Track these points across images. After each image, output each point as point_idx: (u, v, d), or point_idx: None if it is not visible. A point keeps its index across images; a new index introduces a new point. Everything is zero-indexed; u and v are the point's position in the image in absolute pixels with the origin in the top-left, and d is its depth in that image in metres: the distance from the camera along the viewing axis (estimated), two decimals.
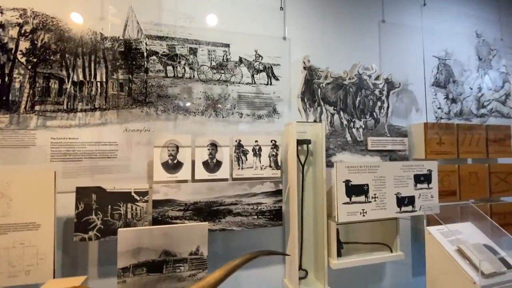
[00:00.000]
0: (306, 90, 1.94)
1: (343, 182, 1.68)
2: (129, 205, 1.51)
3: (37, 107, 1.50)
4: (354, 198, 1.70)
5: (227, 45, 1.70)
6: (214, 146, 1.64)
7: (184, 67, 1.61)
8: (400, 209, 1.78)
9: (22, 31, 1.48)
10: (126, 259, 1.35)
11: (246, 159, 1.69)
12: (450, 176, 2.13)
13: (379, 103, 2.10)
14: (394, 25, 2.22)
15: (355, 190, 1.70)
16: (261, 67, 1.76)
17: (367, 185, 1.73)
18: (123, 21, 1.56)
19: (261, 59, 1.77)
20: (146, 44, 1.56)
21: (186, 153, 1.60)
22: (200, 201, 1.58)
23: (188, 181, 1.62)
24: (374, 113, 2.09)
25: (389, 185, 1.77)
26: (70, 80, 1.54)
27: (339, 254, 1.76)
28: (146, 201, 1.53)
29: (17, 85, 1.48)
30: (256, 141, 1.71)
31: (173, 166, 1.58)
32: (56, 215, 1.47)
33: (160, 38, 1.58)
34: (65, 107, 1.54)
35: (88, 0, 1.57)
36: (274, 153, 1.74)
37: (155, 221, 1.51)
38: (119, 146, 1.59)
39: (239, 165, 1.68)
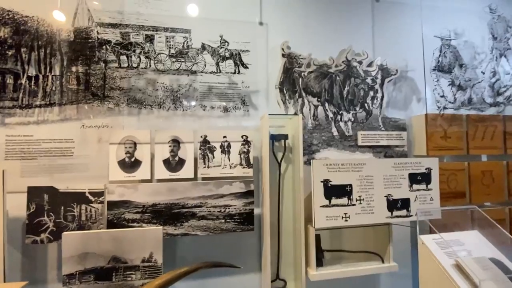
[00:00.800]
0: (285, 80, 1.75)
1: (321, 182, 1.47)
2: (83, 206, 1.41)
3: None
4: (334, 201, 1.48)
5: (188, 31, 1.55)
6: (176, 142, 1.50)
7: (139, 56, 1.49)
8: (392, 214, 1.54)
9: None
10: (71, 265, 1.25)
11: (213, 157, 1.54)
12: (457, 175, 1.83)
13: (371, 93, 1.85)
14: (391, 4, 1.95)
15: (335, 191, 1.48)
16: (227, 54, 1.59)
17: (350, 185, 1.50)
18: (74, 9, 1.46)
19: (227, 45, 1.60)
20: (98, 33, 1.45)
21: (145, 151, 1.47)
22: (160, 203, 1.45)
23: (148, 181, 1.49)
24: (366, 104, 1.85)
25: (378, 186, 1.54)
26: (26, 74, 1.47)
27: (319, 264, 1.56)
28: (102, 202, 1.42)
29: None
30: (225, 136, 1.55)
31: (130, 164, 1.46)
32: (7, 216, 1.41)
33: (113, 25, 1.46)
34: (20, 103, 1.47)
35: None
36: (245, 150, 1.57)
37: (110, 224, 1.40)
38: (75, 143, 1.50)
39: (204, 163, 1.52)
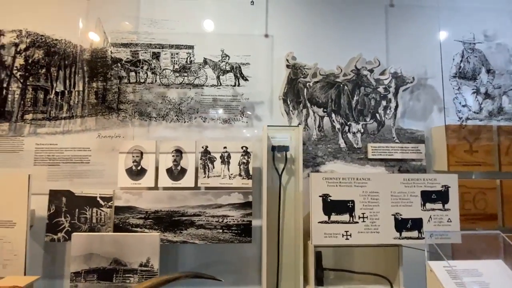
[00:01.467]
0: (289, 91, 1.73)
1: (320, 196, 1.41)
2: (94, 209, 1.54)
3: (27, 116, 1.67)
4: (334, 217, 1.41)
5: (191, 47, 1.63)
6: (179, 152, 1.57)
7: (146, 72, 1.60)
8: (400, 235, 1.41)
9: (18, 49, 1.68)
10: (78, 263, 1.37)
11: (213, 167, 1.57)
12: (487, 194, 1.62)
13: (384, 103, 1.74)
14: (407, 8, 1.83)
15: (335, 207, 1.41)
16: (227, 68, 1.63)
17: (353, 201, 1.42)
18: (96, 33, 1.63)
19: (228, 59, 1.64)
20: (111, 52, 1.60)
21: (150, 160, 1.57)
22: (161, 210, 1.52)
23: (153, 188, 1.58)
24: (377, 115, 1.74)
25: (384, 203, 1.42)
26: (54, 90, 1.67)
27: (319, 283, 1.48)
28: (110, 207, 1.54)
29: (12, 97, 1.67)
30: (225, 147, 1.58)
31: (136, 172, 1.56)
32: (34, 215, 1.60)
33: (125, 45, 1.60)
34: (49, 115, 1.67)
35: (69, 17, 1.69)
36: (245, 161, 1.58)
37: (117, 228, 1.50)
38: (92, 151, 1.65)
39: (205, 173, 1.57)
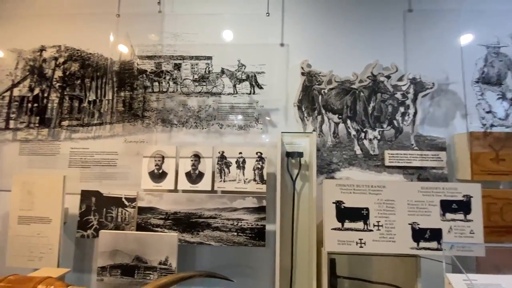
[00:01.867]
0: (304, 98, 1.76)
1: (333, 203, 1.41)
2: (119, 209, 1.66)
3: (63, 123, 1.84)
4: (348, 224, 1.40)
5: (210, 58, 1.72)
6: (197, 157, 1.65)
7: (168, 82, 1.71)
8: (418, 245, 1.36)
9: (57, 63, 1.87)
10: (104, 259, 1.48)
11: (229, 172, 1.63)
12: None
13: (401, 109, 1.71)
14: (426, 13, 1.80)
15: (349, 214, 1.40)
16: (243, 77, 1.70)
17: (367, 209, 1.40)
18: (124, 47, 1.78)
19: (244, 68, 1.71)
20: (137, 64, 1.73)
21: (171, 164, 1.66)
22: (180, 212, 1.60)
23: (172, 191, 1.67)
24: (395, 121, 1.71)
25: (401, 212, 1.39)
26: (87, 99, 1.84)
27: None
28: (134, 207, 1.65)
29: (51, 105, 1.86)
30: (240, 153, 1.64)
31: (158, 175, 1.67)
32: (68, 213, 1.75)
33: (149, 57, 1.73)
34: (82, 122, 1.83)
35: (102, 33, 1.86)
36: (259, 166, 1.62)
37: (139, 227, 1.60)
38: (119, 155, 1.79)
39: (221, 177, 1.63)
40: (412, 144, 1.69)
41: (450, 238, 1.36)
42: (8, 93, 1.89)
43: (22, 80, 1.89)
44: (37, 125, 1.86)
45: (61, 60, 1.87)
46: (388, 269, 1.57)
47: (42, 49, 1.89)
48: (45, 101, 1.86)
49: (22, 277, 1.26)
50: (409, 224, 1.38)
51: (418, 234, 1.37)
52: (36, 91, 1.87)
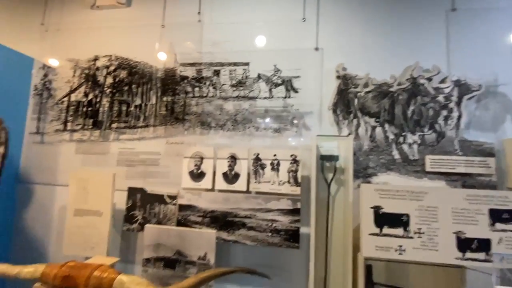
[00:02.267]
0: (339, 101, 1.76)
1: (371, 208, 1.40)
2: (162, 206, 1.78)
3: (113, 125, 2.02)
4: (387, 230, 1.37)
5: (247, 64, 1.79)
6: (233, 158, 1.72)
7: (208, 87, 1.81)
8: (463, 255, 1.30)
9: (108, 71, 2.06)
10: (149, 251, 1.60)
11: (264, 173, 1.68)
12: None
13: (444, 112, 1.64)
14: (471, 12, 1.71)
15: (388, 220, 1.37)
16: (279, 81, 1.74)
17: (407, 215, 1.36)
18: (168, 55, 1.92)
19: (280, 73, 1.75)
20: (180, 71, 1.85)
21: (209, 164, 1.75)
22: (217, 210, 1.68)
23: (210, 190, 1.75)
24: (437, 125, 1.64)
25: (444, 220, 1.33)
26: (133, 104, 2.00)
27: None
28: (175, 204, 1.76)
29: (103, 109, 2.05)
30: (275, 155, 1.68)
31: (197, 175, 1.76)
32: (116, 208, 1.91)
33: (191, 64, 1.85)
34: (129, 124, 2.00)
35: (147, 43, 2.02)
36: (293, 169, 1.65)
37: (179, 223, 1.71)
38: (161, 155, 1.92)
39: (256, 178, 1.68)
40: (456, 149, 1.61)
41: (500, 249, 1.28)
42: (66, 99, 2.12)
43: (79, 87, 2.11)
44: (90, 127, 2.06)
45: (111, 68, 2.06)
46: (427, 278, 1.51)
47: (95, 59, 2.10)
48: (97, 105, 2.05)
49: (79, 263, 1.40)
50: (454, 233, 1.32)
51: (464, 244, 1.30)
52: (90, 96, 2.08)
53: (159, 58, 1.97)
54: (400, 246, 1.35)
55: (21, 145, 2.15)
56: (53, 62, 2.20)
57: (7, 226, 2.09)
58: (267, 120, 1.79)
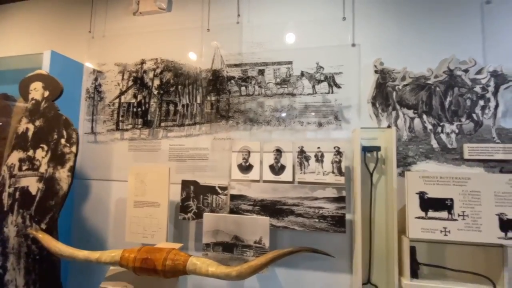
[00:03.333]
0: (377, 95, 1.86)
1: (416, 193, 1.51)
2: (214, 196, 1.94)
3: (162, 124, 2.19)
4: (432, 213, 1.49)
5: (290, 62, 1.91)
6: (279, 152, 1.86)
7: (254, 86, 1.94)
8: (506, 235, 1.41)
9: (155, 73, 2.22)
10: (208, 237, 1.77)
11: (308, 165, 1.81)
12: None
13: (481, 102, 1.72)
14: (507, 3, 1.76)
15: (433, 204, 1.49)
16: (322, 78, 1.86)
17: (451, 199, 1.47)
18: (213, 57, 2.06)
19: (322, 70, 1.86)
20: (226, 72, 1.99)
21: (256, 158, 1.89)
22: (266, 199, 1.83)
23: (257, 181, 1.90)
24: (474, 115, 1.73)
25: (487, 203, 1.44)
26: (180, 103, 2.16)
27: (414, 275, 1.57)
28: (226, 195, 1.92)
29: (151, 109, 2.22)
30: (319, 147, 1.80)
31: (245, 167, 1.91)
32: (169, 199, 2.09)
33: (236, 65, 1.98)
34: (177, 122, 2.16)
35: (192, 45, 2.16)
36: (337, 160, 1.77)
37: (231, 212, 1.87)
38: (209, 151, 2.08)
39: (301, 169, 1.82)
40: (494, 137, 1.69)
41: None
42: (117, 100, 2.30)
43: (128, 89, 2.28)
44: (140, 126, 2.24)
45: (158, 70, 2.22)
46: (467, 258, 1.61)
47: (142, 62, 2.26)
48: (146, 106, 2.22)
49: (152, 247, 1.59)
50: (496, 214, 1.43)
51: (507, 225, 1.41)
52: (139, 97, 2.24)
53: (204, 60, 2.11)
54: (445, 228, 1.47)
55: None
56: (101, 67, 2.38)
57: (66, 218, 2.31)
58: (310, 115, 1.91)
